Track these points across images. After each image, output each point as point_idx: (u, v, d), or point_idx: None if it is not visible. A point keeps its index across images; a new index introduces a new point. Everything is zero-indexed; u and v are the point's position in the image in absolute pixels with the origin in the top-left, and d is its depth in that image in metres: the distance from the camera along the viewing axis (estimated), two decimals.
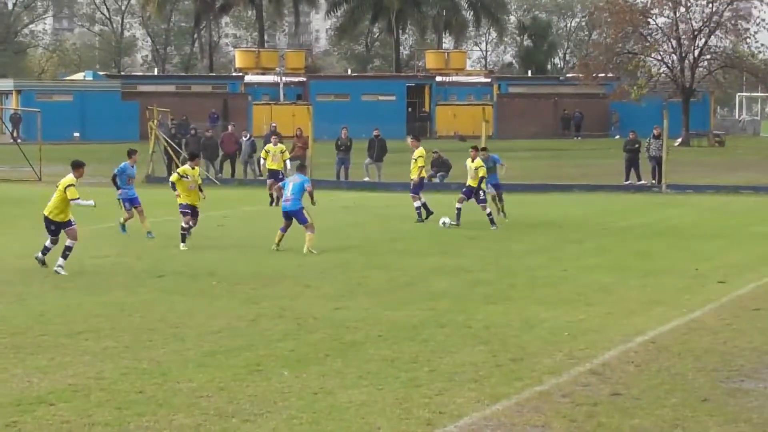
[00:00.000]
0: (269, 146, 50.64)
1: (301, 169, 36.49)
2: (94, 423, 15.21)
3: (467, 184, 40.39)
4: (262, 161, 53.02)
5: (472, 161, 40.37)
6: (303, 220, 32.74)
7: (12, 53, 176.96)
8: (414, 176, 41.92)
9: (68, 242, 28.91)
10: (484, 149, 40.92)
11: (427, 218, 40.36)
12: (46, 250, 29.53)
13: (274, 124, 71.97)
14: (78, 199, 29.21)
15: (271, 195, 46.34)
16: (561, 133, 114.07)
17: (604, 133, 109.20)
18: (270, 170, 49.77)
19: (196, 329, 21.55)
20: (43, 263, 29.32)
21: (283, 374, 18.05)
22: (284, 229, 33.14)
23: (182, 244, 32.91)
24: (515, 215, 44.05)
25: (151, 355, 19.37)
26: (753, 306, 24.85)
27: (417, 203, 40.90)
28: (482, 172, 39.74)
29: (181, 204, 33.71)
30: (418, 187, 41.45)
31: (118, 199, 37.01)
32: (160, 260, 29.03)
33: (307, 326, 21.73)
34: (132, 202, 36.55)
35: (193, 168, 34.63)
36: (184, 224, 33.27)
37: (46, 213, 29.83)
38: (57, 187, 29.97)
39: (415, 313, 23.49)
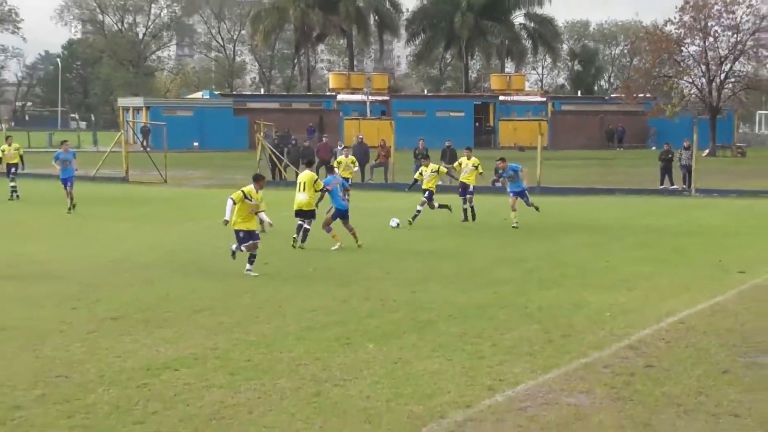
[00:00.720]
0: (341, 157, 48.89)
1: (330, 170, 35.55)
2: (210, 386, 15.39)
3: (461, 181, 40.84)
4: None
5: (468, 159, 40.94)
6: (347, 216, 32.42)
7: (142, 75, 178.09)
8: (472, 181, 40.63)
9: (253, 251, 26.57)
10: (502, 159, 40.33)
11: (471, 219, 40.33)
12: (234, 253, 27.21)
13: (361, 136, 71.88)
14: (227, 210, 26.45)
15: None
16: (605, 144, 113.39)
17: (643, 145, 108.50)
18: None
19: (295, 308, 21.67)
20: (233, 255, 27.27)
21: (368, 347, 18.15)
22: (351, 228, 32.56)
23: (248, 266, 26.33)
24: (566, 215, 43.89)
25: (258, 329, 19.53)
26: None
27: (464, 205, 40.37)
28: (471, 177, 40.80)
29: (236, 230, 26.70)
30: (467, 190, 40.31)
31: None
32: (264, 252, 29.07)
33: (388, 306, 21.82)
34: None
35: (257, 191, 26.84)
36: (243, 248, 26.62)
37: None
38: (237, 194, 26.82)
39: (481, 296, 23.51)
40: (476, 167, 40.68)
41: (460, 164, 41.44)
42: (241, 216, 26.56)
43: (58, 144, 55.50)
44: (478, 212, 40.31)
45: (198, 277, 26.16)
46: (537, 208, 39.18)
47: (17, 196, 48.16)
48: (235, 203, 26.34)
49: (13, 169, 48.92)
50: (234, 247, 27.13)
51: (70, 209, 41.87)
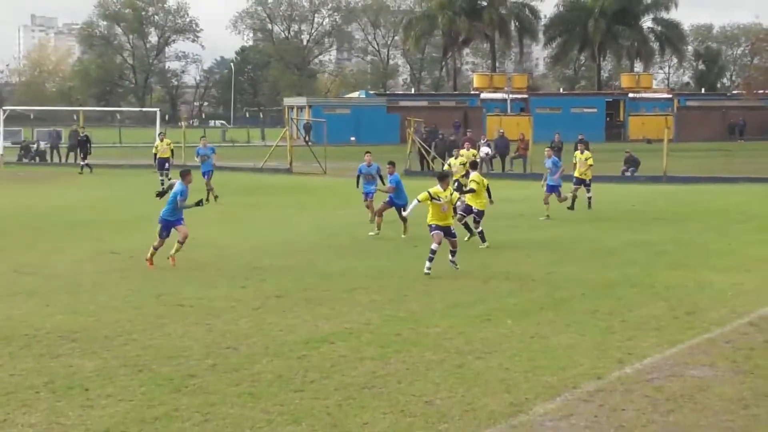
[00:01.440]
0: (463, 151, 47.67)
1: (473, 166, 31.44)
2: (363, 357, 15.39)
3: (575, 176, 39.67)
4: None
5: (581, 154, 40.15)
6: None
7: (306, 77, 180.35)
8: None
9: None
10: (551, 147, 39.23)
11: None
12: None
13: (502, 131, 71.69)
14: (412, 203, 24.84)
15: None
16: (728, 137, 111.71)
17: (764, 137, 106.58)
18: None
19: (441, 288, 21.61)
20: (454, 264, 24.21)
21: (507, 322, 18.04)
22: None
23: (427, 264, 23.42)
24: (691, 202, 43.27)
25: (407, 307, 19.50)
26: None
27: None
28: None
29: (430, 225, 23.92)
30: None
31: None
32: (413, 236, 29.06)
33: (526, 286, 21.66)
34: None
35: (444, 189, 23.79)
36: (433, 246, 23.50)
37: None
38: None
39: (611, 276, 23.28)
40: (588, 159, 40.15)
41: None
42: (437, 216, 23.65)
43: (230, 141, 56.31)
44: (609, 200, 39.92)
45: (353, 258, 26.27)
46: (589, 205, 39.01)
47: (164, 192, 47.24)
48: (419, 202, 23.82)
49: (166, 164, 49.26)
50: (434, 248, 23.49)
51: (208, 200, 41.49)
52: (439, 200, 23.37)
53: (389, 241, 29.83)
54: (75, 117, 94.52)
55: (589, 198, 39.94)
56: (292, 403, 12.97)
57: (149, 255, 24.75)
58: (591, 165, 39.99)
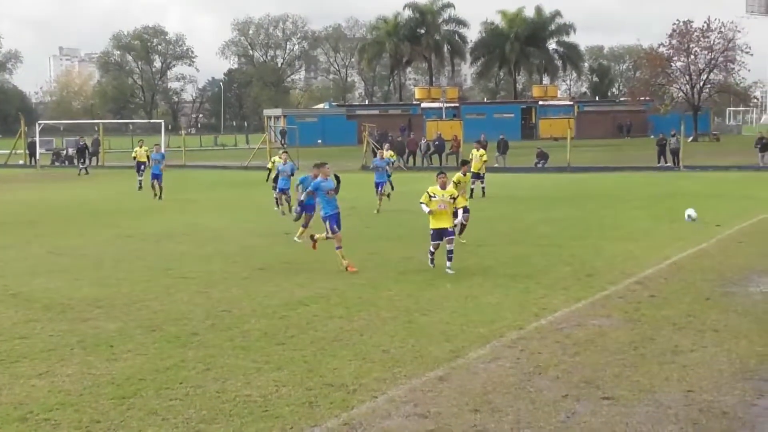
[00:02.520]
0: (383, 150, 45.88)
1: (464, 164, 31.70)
2: (333, 316, 15.38)
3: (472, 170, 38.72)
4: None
5: (477, 151, 39.37)
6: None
7: (281, 93, 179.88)
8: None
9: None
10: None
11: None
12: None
13: (439, 133, 71.69)
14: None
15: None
16: (617, 135, 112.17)
17: (644, 135, 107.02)
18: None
19: (394, 258, 21.60)
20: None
21: (447, 286, 18.08)
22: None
23: (430, 264, 20.24)
24: (590, 186, 43.53)
25: (367, 275, 19.47)
26: (738, 240, 24.51)
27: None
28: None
29: (432, 230, 20.03)
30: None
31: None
32: (370, 218, 28.98)
33: (460, 257, 21.13)
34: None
35: (443, 188, 20.17)
36: (431, 248, 20.16)
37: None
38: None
39: (527, 248, 23.36)
40: (482, 156, 39.73)
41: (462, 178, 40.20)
42: (435, 216, 19.92)
43: (221, 145, 55.70)
44: (525, 186, 39.98)
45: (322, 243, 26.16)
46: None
47: (141, 187, 45.29)
48: (424, 204, 19.87)
49: (142, 167, 46.70)
50: (432, 250, 20.30)
51: (161, 197, 40.02)
52: (436, 197, 19.83)
53: (353, 219, 29.79)
54: (96, 128, 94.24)
55: (483, 188, 39.03)
56: (275, 354, 12.97)
57: (316, 239, 21.66)
58: (485, 161, 39.68)
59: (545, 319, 15.03)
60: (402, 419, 10.27)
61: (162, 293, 17.72)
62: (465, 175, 24.84)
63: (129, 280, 19.24)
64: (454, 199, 20.28)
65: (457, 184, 23.26)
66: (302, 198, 22.01)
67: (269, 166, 35.97)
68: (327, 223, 20.83)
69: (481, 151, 39.86)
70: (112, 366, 12.48)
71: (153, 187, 41.01)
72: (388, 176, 35.53)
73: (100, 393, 11.24)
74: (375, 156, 39.87)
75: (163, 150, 46.50)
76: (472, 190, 37.96)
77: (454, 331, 14.23)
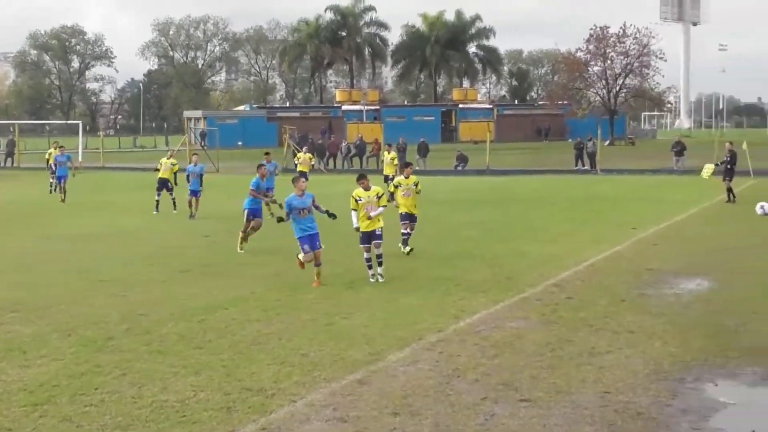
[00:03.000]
0: (300, 154, 45.10)
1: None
2: (251, 319, 15.28)
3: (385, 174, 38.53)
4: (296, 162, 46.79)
5: (389, 153, 39.12)
6: None
7: (202, 94, 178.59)
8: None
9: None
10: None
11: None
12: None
13: (360, 136, 71.80)
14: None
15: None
16: (536, 138, 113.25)
17: (563, 138, 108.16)
18: (301, 172, 39.19)
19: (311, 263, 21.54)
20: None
21: (367, 289, 18.09)
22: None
23: (369, 273, 19.22)
24: (510, 189, 43.88)
25: (286, 278, 19.41)
26: (653, 243, 24.91)
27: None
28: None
29: (361, 233, 19.38)
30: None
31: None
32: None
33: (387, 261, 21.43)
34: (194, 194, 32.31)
35: (365, 189, 19.51)
36: (365, 254, 19.35)
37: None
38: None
39: (451, 249, 23.51)
40: (393, 159, 39.55)
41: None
42: (363, 219, 19.30)
43: (140, 147, 55.14)
44: (447, 189, 40.14)
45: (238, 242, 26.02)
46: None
47: (53, 188, 43.79)
48: (354, 210, 19.43)
49: (53, 167, 44.74)
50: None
51: (64, 200, 39.26)
52: (361, 200, 19.29)
53: (271, 226, 29.66)
54: (11, 129, 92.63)
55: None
56: (193, 358, 12.82)
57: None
58: (396, 164, 39.52)
59: (464, 322, 15.06)
60: (321, 423, 10.21)
61: (79, 296, 17.46)
62: (407, 177, 23.22)
63: (46, 283, 18.95)
64: (380, 197, 19.54)
65: (396, 187, 23.19)
66: (284, 217, 19.25)
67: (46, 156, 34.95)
68: (299, 244, 18.93)
69: (392, 153, 39.79)
70: (24, 372, 12.22)
71: (56, 188, 40.80)
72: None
73: (11, 400, 11.00)
74: (295, 158, 39.21)
75: (68, 151, 45.43)
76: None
77: (374, 334, 14.19)
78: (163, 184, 34.85)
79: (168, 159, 35.82)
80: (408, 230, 22.98)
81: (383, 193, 20.05)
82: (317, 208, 19.03)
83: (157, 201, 34.39)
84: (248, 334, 14.25)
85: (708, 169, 45.08)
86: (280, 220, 19.53)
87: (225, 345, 13.58)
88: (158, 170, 35.53)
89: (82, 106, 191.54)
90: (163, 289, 18.30)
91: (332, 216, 19.24)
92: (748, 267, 20.46)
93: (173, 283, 18.94)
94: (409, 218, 23.00)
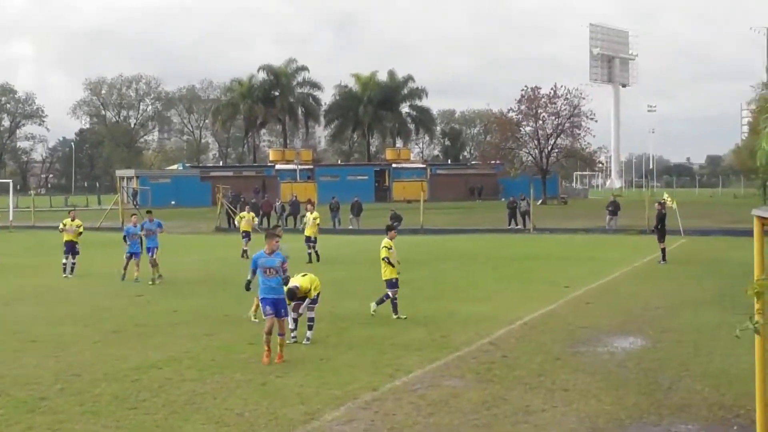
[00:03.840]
0: (243, 213, 44.31)
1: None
2: (185, 379, 15.17)
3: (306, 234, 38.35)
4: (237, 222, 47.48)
5: (311, 214, 39.21)
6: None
7: (134, 153, 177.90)
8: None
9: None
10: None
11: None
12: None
13: (294, 195, 71.87)
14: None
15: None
16: (469, 197, 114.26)
17: (496, 197, 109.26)
18: (244, 232, 41.32)
19: (248, 323, 21.39)
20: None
21: (301, 348, 18.03)
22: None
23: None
24: (443, 248, 44.03)
25: (220, 338, 19.32)
26: (586, 301, 25.06)
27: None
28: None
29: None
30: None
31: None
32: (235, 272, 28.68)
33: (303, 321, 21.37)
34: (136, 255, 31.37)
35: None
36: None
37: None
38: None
39: (383, 309, 23.41)
40: (315, 219, 39.34)
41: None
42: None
43: (72, 206, 54.54)
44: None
45: (177, 298, 25.90)
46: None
47: None
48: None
49: None
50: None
51: None
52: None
53: (205, 284, 29.56)
54: None
55: (317, 252, 38.07)
56: (127, 419, 12.70)
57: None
58: (318, 224, 39.23)
59: (400, 380, 15.07)
60: None
61: (9, 357, 17.22)
62: (392, 239, 23.01)
63: None
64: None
65: (389, 249, 22.95)
66: (249, 277, 17.65)
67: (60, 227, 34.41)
68: (261, 305, 17.30)
69: (315, 213, 39.58)
70: None
71: None
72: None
73: None
74: (232, 218, 39.11)
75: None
76: (309, 254, 37.65)
77: (309, 394, 14.16)
78: (71, 248, 33.21)
79: (72, 221, 33.99)
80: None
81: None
82: (284, 271, 17.10)
83: (64, 264, 33.10)
84: (183, 394, 14.14)
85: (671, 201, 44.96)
86: (247, 286, 17.91)
87: (159, 404, 13.47)
88: (63, 230, 33.82)
89: (12, 165, 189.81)
90: (96, 349, 18.09)
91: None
92: (678, 325, 20.74)
93: (106, 344, 18.73)
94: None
